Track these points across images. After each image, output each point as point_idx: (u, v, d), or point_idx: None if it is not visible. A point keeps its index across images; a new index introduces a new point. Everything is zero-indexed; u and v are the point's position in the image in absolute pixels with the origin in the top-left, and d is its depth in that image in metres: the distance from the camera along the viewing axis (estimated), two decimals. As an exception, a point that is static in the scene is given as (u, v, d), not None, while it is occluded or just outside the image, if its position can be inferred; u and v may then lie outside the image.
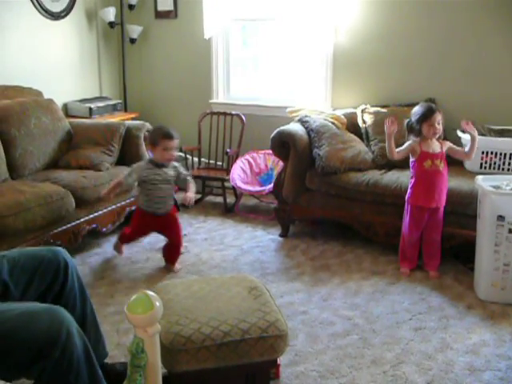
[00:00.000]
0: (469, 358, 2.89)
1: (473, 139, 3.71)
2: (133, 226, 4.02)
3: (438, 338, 3.08)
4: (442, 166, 3.72)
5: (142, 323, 1.67)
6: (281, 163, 4.56)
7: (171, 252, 3.97)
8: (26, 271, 2.26)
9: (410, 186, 3.82)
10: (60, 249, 2.43)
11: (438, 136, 3.74)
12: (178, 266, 3.94)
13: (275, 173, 4.84)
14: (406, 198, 3.83)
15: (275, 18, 5.26)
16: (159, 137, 3.77)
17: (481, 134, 4.21)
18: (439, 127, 3.69)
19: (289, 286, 3.67)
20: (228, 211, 5.11)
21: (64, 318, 1.89)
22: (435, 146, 3.74)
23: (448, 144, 3.82)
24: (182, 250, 4.18)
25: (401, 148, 3.82)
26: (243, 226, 4.76)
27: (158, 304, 1.69)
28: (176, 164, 3.94)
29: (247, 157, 5.21)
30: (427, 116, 3.69)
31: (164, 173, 3.84)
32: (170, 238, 3.97)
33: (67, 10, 5.26)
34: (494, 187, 3.46)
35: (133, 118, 5.44)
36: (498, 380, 2.72)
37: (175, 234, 3.95)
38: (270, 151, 4.54)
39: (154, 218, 3.88)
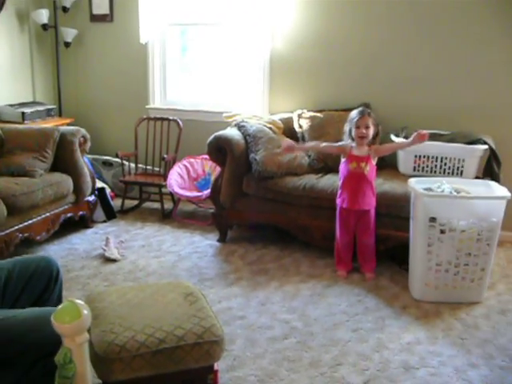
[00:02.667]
0: (404, 357, 2.95)
1: (412, 143, 3.77)
2: None
3: (375, 338, 3.13)
4: (368, 169, 3.77)
5: (69, 332, 1.62)
6: (218, 168, 4.55)
7: None
8: (20, 280, 2.29)
9: (339, 189, 3.89)
10: (52, 257, 2.46)
11: (366, 140, 3.78)
12: None
13: (212, 178, 4.82)
14: (337, 201, 3.90)
15: (213, 23, 5.26)
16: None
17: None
18: (365, 131, 3.75)
19: (227, 291, 3.66)
20: (166, 217, 5.07)
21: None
22: (363, 151, 3.80)
23: (374, 147, 3.84)
24: (119, 257, 4.12)
25: (331, 143, 3.92)
26: (181, 232, 4.73)
27: (85, 312, 1.65)
28: None
29: (184, 162, 5.18)
30: (354, 119, 3.77)
31: None
32: None
33: (-4, 11, 5.11)
34: (426, 189, 3.54)
35: (68, 124, 5.32)
36: (430, 376, 2.79)
37: None
38: (207, 156, 4.53)
39: None
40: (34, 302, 2.29)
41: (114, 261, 4.10)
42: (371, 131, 3.77)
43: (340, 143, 3.90)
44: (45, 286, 2.35)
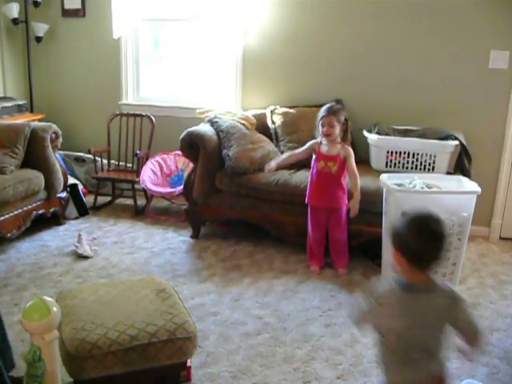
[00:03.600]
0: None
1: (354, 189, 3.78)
2: None
3: (348, 333, 3.15)
4: (336, 168, 3.78)
5: (38, 330, 1.61)
6: (191, 164, 4.53)
7: None
8: None
9: (308, 186, 3.91)
10: None
11: (331, 137, 3.77)
12: None
13: (185, 174, 4.80)
14: (306, 199, 3.91)
15: (186, 18, 5.24)
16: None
17: (385, 133, 4.35)
18: (329, 130, 3.74)
19: (200, 288, 3.65)
20: (139, 213, 5.03)
21: None
22: (333, 149, 3.81)
23: (349, 152, 3.80)
24: (91, 253, 4.09)
25: (298, 150, 3.95)
26: (154, 228, 4.70)
27: (55, 309, 1.63)
28: None
29: (157, 158, 5.15)
30: (319, 117, 3.79)
31: None
32: None
33: (-35, 5, 5.03)
34: (398, 185, 3.57)
35: (39, 120, 5.25)
36: (402, 371, 2.81)
37: None
38: (180, 152, 4.51)
39: None
40: None
41: (86, 258, 4.07)
42: (337, 129, 3.76)
43: (309, 143, 3.91)
44: None
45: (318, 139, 3.86)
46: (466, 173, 4.11)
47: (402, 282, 1.86)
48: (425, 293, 1.86)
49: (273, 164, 3.98)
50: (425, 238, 1.81)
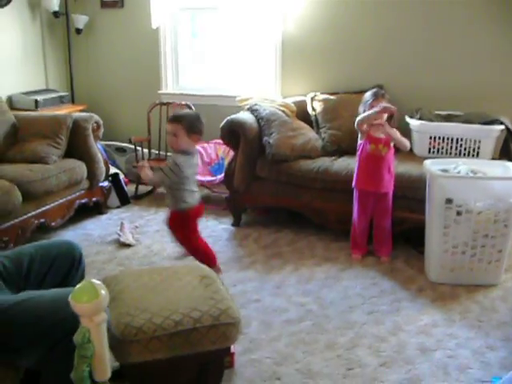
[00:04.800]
0: (420, 339, 2.93)
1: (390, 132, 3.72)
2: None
3: (391, 320, 3.12)
4: (385, 150, 3.73)
5: (87, 312, 1.62)
6: (231, 152, 4.53)
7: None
8: (43, 264, 2.30)
9: (355, 171, 3.85)
10: (74, 242, 2.49)
11: (381, 121, 3.71)
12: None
13: (226, 162, 4.81)
14: (353, 183, 3.86)
15: (224, 6, 5.22)
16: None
17: (428, 119, 4.28)
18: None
19: (242, 275, 3.66)
20: (179, 202, 5.05)
21: None
22: (381, 132, 3.76)
23: (392, 129, 3.76)
24: (133, 242, 4.13)
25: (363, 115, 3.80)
26: (195, 217, 4.72)
27: (103, 292, 1.64)
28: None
29: (198, 147, 5.15)
30: (368, 101, 3.74)
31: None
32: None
33: (7, -1, 5.11)
34: (442, 171, 3.51)
35: (80, 110, 5.33)
36: (447, 358, 2.77)
37: None
38: (221, 141, 4.51)
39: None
40: (57, 286, 2.29)
41: (128, 246, 4.12)
42: (385, 114, 3.72)
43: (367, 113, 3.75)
44: (67, 270, 2.37)
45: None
46: (512, 158, 4.03)
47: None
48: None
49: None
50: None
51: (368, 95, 3.77)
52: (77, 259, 2.41)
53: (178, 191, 3.28)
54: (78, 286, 1.67)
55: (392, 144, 3.77)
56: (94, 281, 1.69)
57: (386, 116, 3.72)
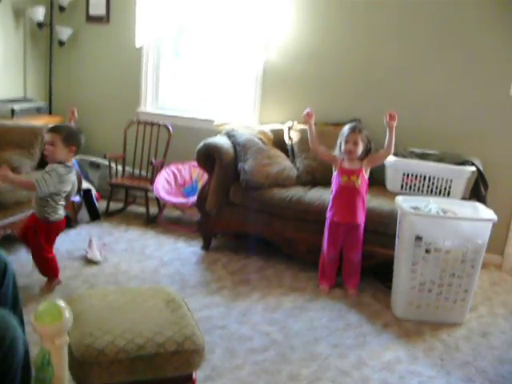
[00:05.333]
0: (383, 375, 2.93)
1: (390, 129, 3.74)
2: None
3: (355, 354, 3.11)
4: (359, 182, 3.75)
5: (49, 334, 1.59)
6: (205, 176, 4.52)
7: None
8: None
9: (330, 201, 3.87)
10: (0, 251, 2.38)
11: (354, 155, 3.75)
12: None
13: (199, 185, 4.80)
14: (327, 213, 3.88)
15: (209, 30, 5.26)
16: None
17: (402, 156, 4.33)
18: (353, 147, 3.73)
19: (208, 300, 3.63)
20: (150, 222, 5.03)
21: (10, 323, 1.80)
22: (354, 164, 3.79)
23: (366, 159, 3.81)
24: (101, 259, 4.09)
25: (327, 149, 3.89)
26: (165, 238, 4.69)
27: (67, 314, 1.61)
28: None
29: (172, 168, 5.15)
30: (344, 134, 3.78)
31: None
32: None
33: (-8, 6, 5.08)
34: (414, 208, 3.54)
35: (57, 122, 5.27)
36: (410, 397, 2.77)
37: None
38: (196, 163, 4.50)
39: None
40: None
41: (95, 263, 4.06)
42: (360, 148, 3.75)
43: (334, 153, 3.89)
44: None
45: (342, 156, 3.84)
46: (481, 199, 4.08)
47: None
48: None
49: (309, 109, 3.94)
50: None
51: (345, 129, 3.81)
52: (1, 268, 2.27)
53: (51, 201, 3.48)
54: (41, 306, 1.64)
55: (367, 175, 3.79)
56: (59, 302, 1.66)
57: (361, 149, 3.75)
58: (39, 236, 3.54)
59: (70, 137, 3.46)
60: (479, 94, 4.52)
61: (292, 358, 3.04)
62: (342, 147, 3.77)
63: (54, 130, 3.50)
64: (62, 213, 3.58)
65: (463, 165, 4.20)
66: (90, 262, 4.08)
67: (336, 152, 3.85)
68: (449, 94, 4.59)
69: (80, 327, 2.21)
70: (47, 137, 3.47)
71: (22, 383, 1.82)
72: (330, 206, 3.87)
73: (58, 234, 3.65)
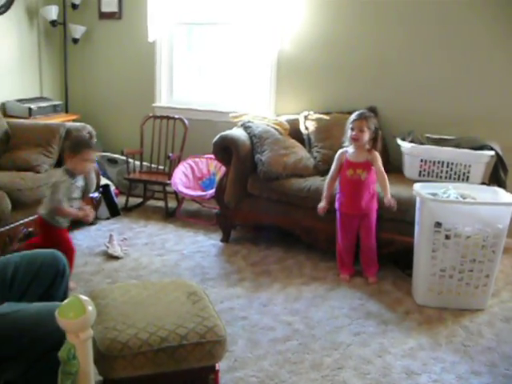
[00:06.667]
0: (406, 362, 2.93)
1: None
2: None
3: (377, 342, 3.12)
4: (364, 175, 3.75)
5: (73, 328, 1.61)
6: (223, 168, 4.54)
7: None
8: (27, 274, 2.29)
9: (337, 194, 3.88)
10: (58, 253, 2.44)
11: (358, 143, 3.74)
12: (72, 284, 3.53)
13: (217, 178, 4.81)
14: (335, 205, 3.88)
15: (221, 23, 5.27)
16: (82, 146, 3.54)
17: (419, 142, 4.31)
18: (359, 134, 3.72)
19: (229, 292, 3.65)
20: (169, 216, 5.06)
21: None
22: (360, 156, 3.78)
23: (375, 155, 3.78)
24: (122, 254, 4.12)
25: (331, 170, 3.90)
26: (184, 231, 4.72)
27: (90, 308, 1.63)
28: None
29: (189, 161, 5.17)
30: (350, 121, 3.77)
31: (76, 183, 3.61)
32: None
33: (6, 6, 5.11)
34: (432, 194, 3.52)
35: (74, 120, 5.32)
36: (432, 382, 2.77)
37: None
38: (213, 156, 4.52)
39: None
40: (40, 296, 2.28)
41: (116, 258, 4.11)
42: (366, 135, 3.73)
43: (335, 157, 3.89)
44: (51, 280, 2.34)
45: (344, 148, 3.83)
46: (501, 184, 4.05)
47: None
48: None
49: (324, 204, 3.88)
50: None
51: (352, 116, 3.79)
52: (61, 270, 2.37)
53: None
54: (65, 301, 1.67)
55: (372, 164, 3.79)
56: (82, 296, 1.68)
57: (367, 137, 3.73)
58: (43, 234, 3.67)
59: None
60: (498, 78, 4.46)
61: (314, 347, 3.05)
62: (348, 134, 3.76)
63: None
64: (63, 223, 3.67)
65: (481, 149, 4.16)
66: (111, 257, 4.12)
67: (345, 139, 3.84)
68: (466, 78, 4.55)
69: (103, 321, 2.24)
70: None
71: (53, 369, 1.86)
72: (337, 196, 3.88)
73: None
